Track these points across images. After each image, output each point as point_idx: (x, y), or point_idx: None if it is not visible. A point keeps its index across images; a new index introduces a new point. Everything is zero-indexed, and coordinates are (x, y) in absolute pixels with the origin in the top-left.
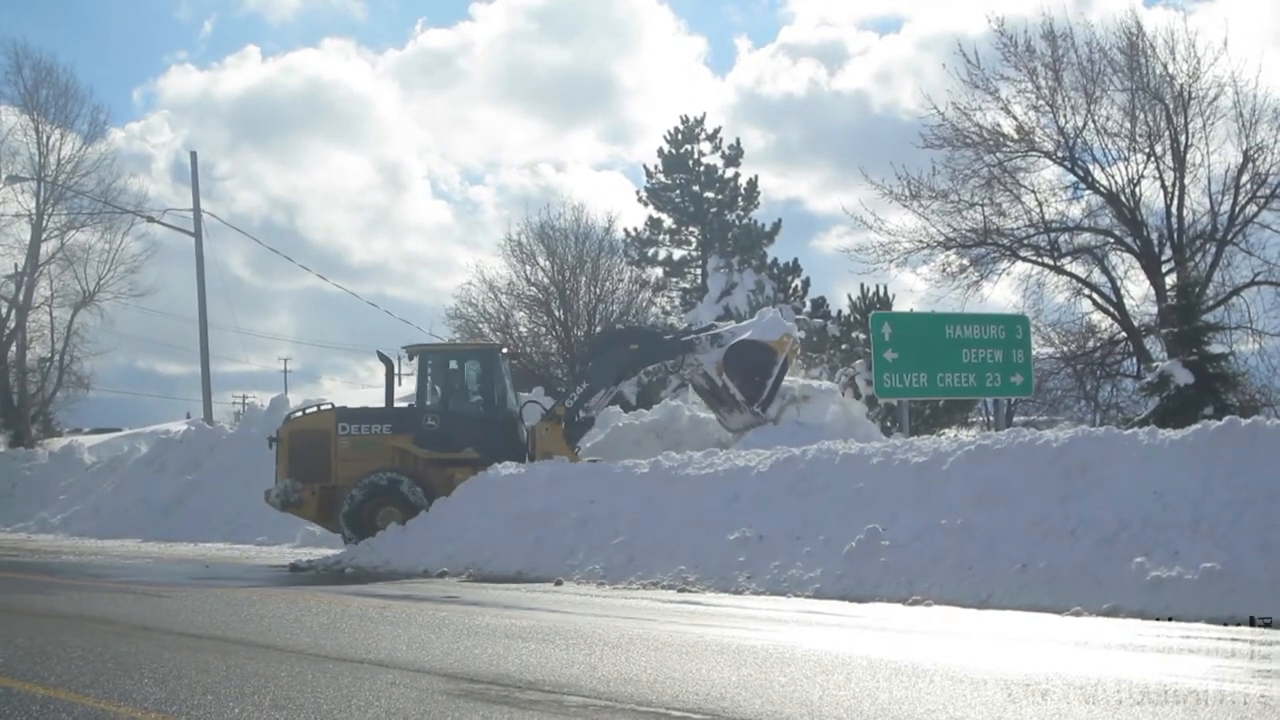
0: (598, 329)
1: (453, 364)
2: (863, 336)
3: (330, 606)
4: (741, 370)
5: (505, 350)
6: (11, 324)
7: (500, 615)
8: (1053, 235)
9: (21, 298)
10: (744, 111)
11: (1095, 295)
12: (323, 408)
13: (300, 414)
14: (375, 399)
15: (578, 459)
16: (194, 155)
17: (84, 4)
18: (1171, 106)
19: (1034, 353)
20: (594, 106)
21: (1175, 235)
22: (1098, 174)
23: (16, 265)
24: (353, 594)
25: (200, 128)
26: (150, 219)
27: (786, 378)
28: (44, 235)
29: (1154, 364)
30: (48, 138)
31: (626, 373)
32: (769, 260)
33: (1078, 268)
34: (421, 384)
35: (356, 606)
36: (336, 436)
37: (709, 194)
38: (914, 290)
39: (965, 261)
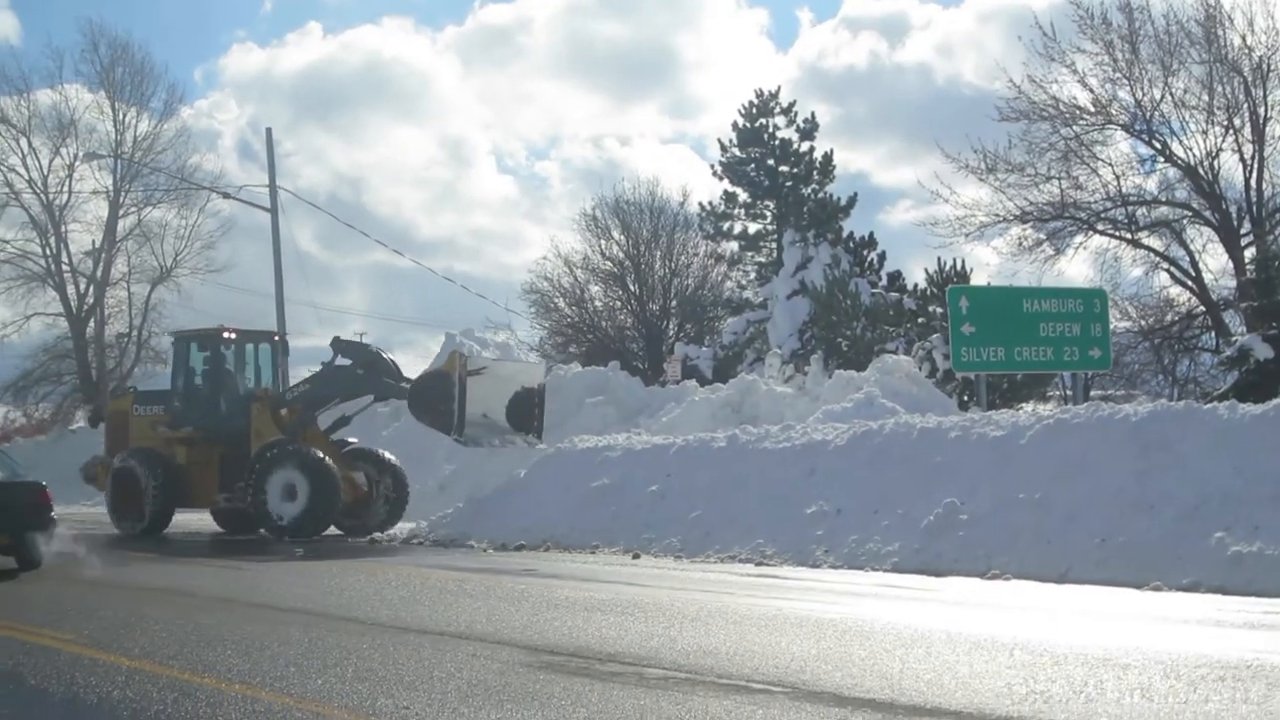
0: (673, 303)
1: (190, 349)
2: (939, 310)
3: (409, 579)
4: (429, 406)
5: (231, 335)
6: (90, 300)
7: (579, 588)
8: (1130, 208)
9: (100, 274)
10: (807, 85)
11: (1173, 269)
12: (130, 390)
13: (119, 395)
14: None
15: (300, 438)
16: (269, 131)
17: None
18: (1250, 79)
19: (1111, 327)
20: (656, 81)
21: (1254, 208)
22: (1175, 147)
23: (94, 242)
24: (431, 567)
25: (263, 105)
26: (226, 195)
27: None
28: (121, 212)
29: (1233, 338)
30: (124, 115)
31: (346, 390)
32: (844, 234)
33: (1155, 241)
34: (175, 367)
35: (436, 579)
36: (133, 417)
37: (784, 168)
38: (988, 264)
39: (1041, 235)
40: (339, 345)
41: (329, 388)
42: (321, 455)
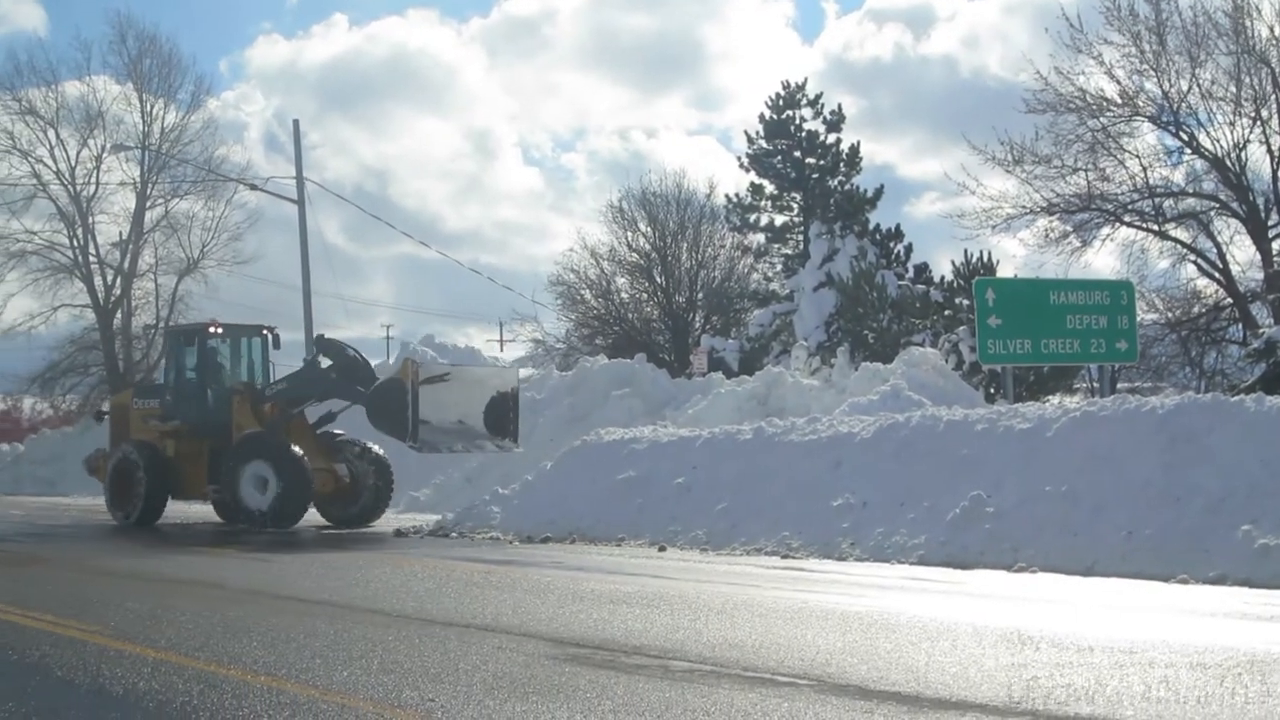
0: (699, 295)
1: (180, 344)
2: (966, 302)
3: (435, 572)
4: (387, 415)
5: (218, 330)
6: (117, 291)
7: (604, 580)
8: (1157, 200)
9: (127, 265)
10: (833, 77)
11: (1200, 261)
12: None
13: (123, 390)
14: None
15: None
16: (296, 123)
17: None
18: (1278, 70)
19: (1138, 319)
20: (682, 72)
21: None
22: (1202, 138)
23: (122, 233)
24: (457, 559)
25: (289, 97)
26: (253, 186)
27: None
28: (148, 204)
29: (1260, 330)
30: (151, 107)
31: (319, 392)
32: (871, 226)
33: (1182, 233)
34: (166, 362)
35: (461, 572)
36: (132, 410)
37: (810, 160)
38: (1015, 256)
39: (1068, 227)
40: (320, 344)
41: (305, 388)
42: (292, 447)
